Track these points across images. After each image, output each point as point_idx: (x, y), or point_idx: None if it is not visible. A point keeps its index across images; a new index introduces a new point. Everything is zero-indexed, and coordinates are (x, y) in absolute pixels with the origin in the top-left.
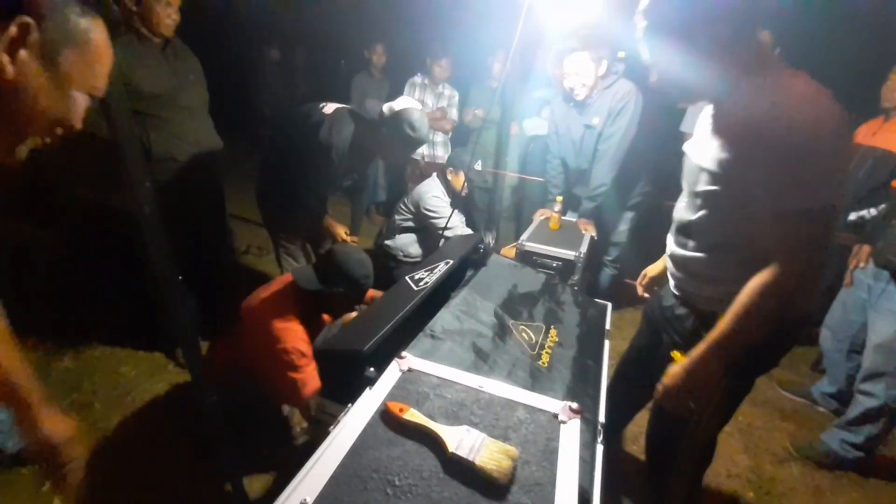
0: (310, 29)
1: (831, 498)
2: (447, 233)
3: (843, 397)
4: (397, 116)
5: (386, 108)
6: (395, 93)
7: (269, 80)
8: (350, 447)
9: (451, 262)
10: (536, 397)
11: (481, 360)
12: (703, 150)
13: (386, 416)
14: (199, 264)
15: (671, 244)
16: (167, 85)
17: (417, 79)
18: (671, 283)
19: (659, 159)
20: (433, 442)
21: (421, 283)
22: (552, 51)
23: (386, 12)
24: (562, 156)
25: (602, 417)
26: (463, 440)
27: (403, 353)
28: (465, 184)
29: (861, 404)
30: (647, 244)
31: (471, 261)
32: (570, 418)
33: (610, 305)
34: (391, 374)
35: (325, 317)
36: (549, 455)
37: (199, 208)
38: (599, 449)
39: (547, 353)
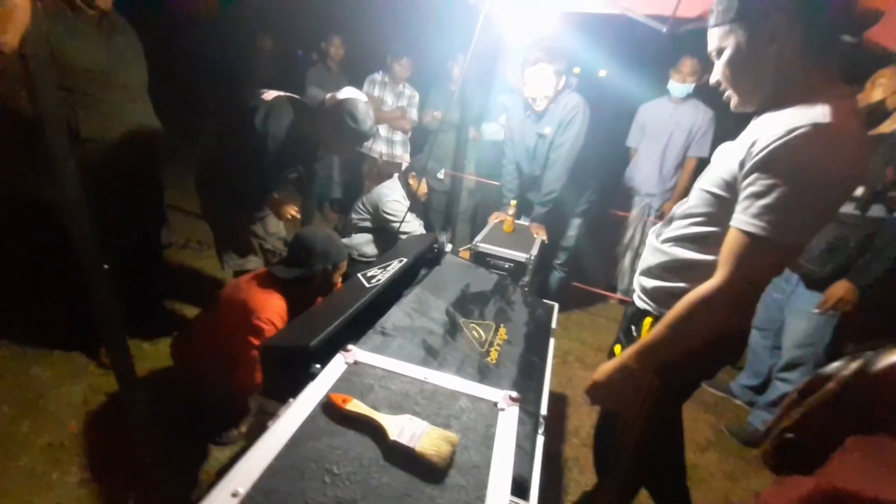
0: (269, 15)
1: (744, 481)
2: (406, 229)
3: (760, 389)
4: (339, 106)
5: (328, 96)
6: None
7: (223, 65)
8: (289, 439)
9: (405, 260)
10: (478, 387)
11: (431, 357)
12: (729, 153)
13: (328, 408)
14: (131, 256)
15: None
16: (101, 61)
17: (377, 76)
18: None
19: (604, 170)
20: (375, 431)
21: (373, 281)
22: (515, 59)
23: (347, 5)
24: (516, 161)
25: (544, 410)
26: (404, 428)
27: (349, 346)
28: (427, 192)
29: (778, 389)
30: (593, 250)
31: (425, 260)
32: (508, 406)
33: (557, 306)
34: (336, 367)
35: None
36: (488, 440)
37: (132, 194)
38: (540, 440)
39: (496, 350)
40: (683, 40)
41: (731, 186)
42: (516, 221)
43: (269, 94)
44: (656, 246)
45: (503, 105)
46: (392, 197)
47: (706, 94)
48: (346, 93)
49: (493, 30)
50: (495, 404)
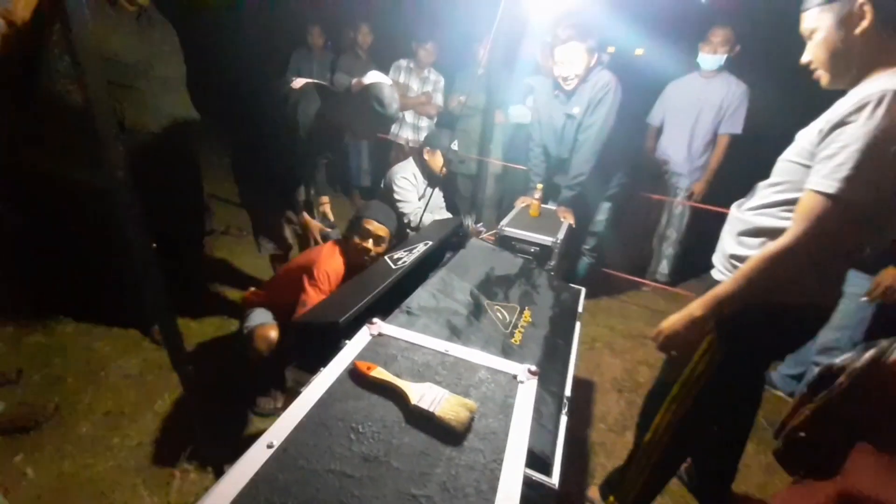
0: (297, 7)
1: (781, 474)
2: (406, 209)
3: (802, 378)
4: (366, 91)
5: (354, 81)
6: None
7: (255, 56)
8: (318, 399)
9: (431, 243)
10: (499, 360)
11: (455, 336)
12: (812, 126)
13: (354, 374)
14: (173, 240)
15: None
16: (141, 55)
17: (403, 62)
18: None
19: (636, 152)
20: (398, 396)
21: (399, 262)
22: (542, 39)
23: None
24: (544, 144)
25: (568, 391)
26: (425, 394)
27: (374, 320)
28: (444, 165)
29: (813, 374)
30: (624, 235)
31: (450, 243)
32: (528, 379)
33: (584, 290)
34: (361, 338)
35: None
36: (506, 410)
37: (173, 183)
38: (563, 420)
39: (520, 331)
40: (715, 12)
41: (812, 154)
42: (543, 206)
43: (298, 83)
44: (739, 216)
45: (530, 87)
46: (401, 174)
47: (738, 67)
48: (372, 77)
49: (518, 9)
50: (514, 377)
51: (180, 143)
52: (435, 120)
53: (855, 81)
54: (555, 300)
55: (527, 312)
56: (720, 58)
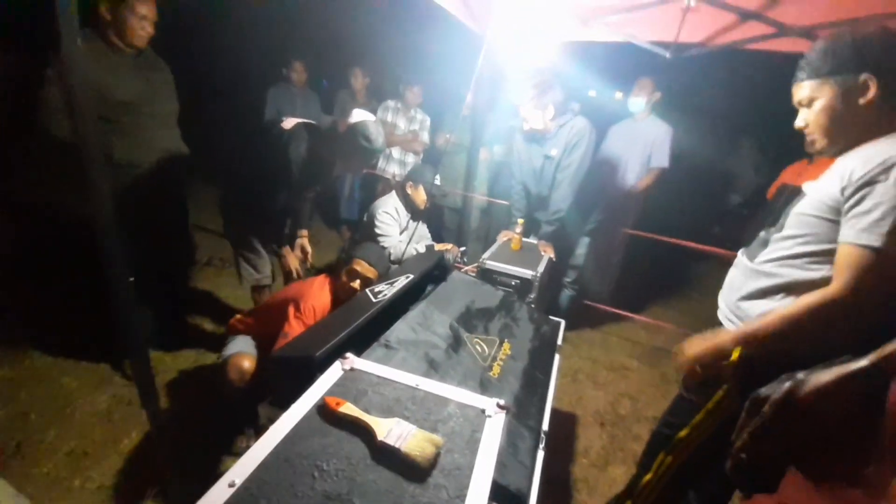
0: (296, 47)
1: None
2: (387, 243)
3: None
4: (352, 128)
5: (341, 120)
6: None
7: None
8: (284, 436)
9: (412, 276)
10: (468, 395)
11: (433, 370)
12: (825, 184)
13: (322, 410)
14: (158, 273)
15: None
16: (136, 93)
17: (391, 102)
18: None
19: (612, 190)
20: (365, 432)
21: (380, 296)
22: (517, 88)
23: (365, 39)
24: (524, 182)
25: (545, 426)
26: (392, 430)
27: (347, 354)
28: (425, 197)
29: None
30: (604, 268)
31: (432, 276)
32: (495, 413)
33: (563, 323)
34: (333, 373)
35: None
36: (472, 445)
37: (160, 216)
38: (540, 455)
39: (499, 364)
40: (645, 65)
41: (834, 209)
42: (525, 240)
43: (288, 123)
44: (755, 268)
45: (512, 128)
46: (383, 208)
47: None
48: (357, 115)
49: (500, 58)
50: (483, 411)
51: (168, 176)
52: (421, 156)
53: (853, 146)
54: (535, 333)
55: (506, 345)
56: (642, 101)
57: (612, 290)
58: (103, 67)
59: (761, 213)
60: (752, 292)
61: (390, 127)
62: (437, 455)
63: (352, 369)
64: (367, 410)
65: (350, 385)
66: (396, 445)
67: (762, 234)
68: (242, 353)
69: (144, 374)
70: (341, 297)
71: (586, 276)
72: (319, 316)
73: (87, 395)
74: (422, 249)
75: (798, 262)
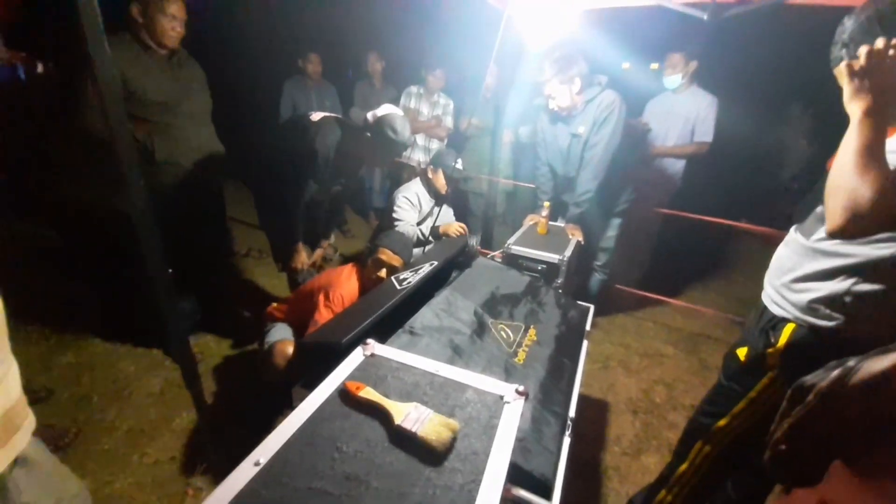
0: (318, 39)
1: None
2: (401, 229)
3: None
4: (380, 122)
5: (370, 115)
6: (398, 101)
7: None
8: (307, 419)
9: (436, 263)
10: (487, 381)
11: (457, 356)
12: None
13: (343, 394)
14: (198, 264)
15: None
16: (171, 93)
17: (413, 88)
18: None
19: (646, 168)
20: (383, 416)
21: (404, 283)
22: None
23: (383, 25)
24: (550, 163)
25: (572, 412)
26: (410, 414)
27: (368, 340)
28: (445, 181)
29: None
30: (637, 250)
31: (457, 262)
32: (514, 399)
33: (592, 308)
34: (354, 358)
35: None
36: (489, 430)
37: (199, 210)
38: (566, 442)
39: (524, 350)
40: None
41: None
42: (552, 223)
43: (316, 116)
44: (812, 246)
45: (539, 107)
46: (403, 194)
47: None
48: (385, 109)
49: (520, 32)
50: (501, 397)
51: (206, 172)
52: (445, 142)
53: None
54: (561, 318)
55: (532, 331)
56: (677, 77)
57: (646, 274)
58: (138, 68)
59: (820, 185)
60: (810, 273)
61: (413, 113)
62: (454, 439)
63: (372, 355)
64: (386, 395)
65: (370, 370)
66: (413, 430)
67: (819, 209)
68: (286, 339)
69: (187, 360)
70: (368, 285)
71: (617, 260)
72: (348, 303)
73: (142, 378)
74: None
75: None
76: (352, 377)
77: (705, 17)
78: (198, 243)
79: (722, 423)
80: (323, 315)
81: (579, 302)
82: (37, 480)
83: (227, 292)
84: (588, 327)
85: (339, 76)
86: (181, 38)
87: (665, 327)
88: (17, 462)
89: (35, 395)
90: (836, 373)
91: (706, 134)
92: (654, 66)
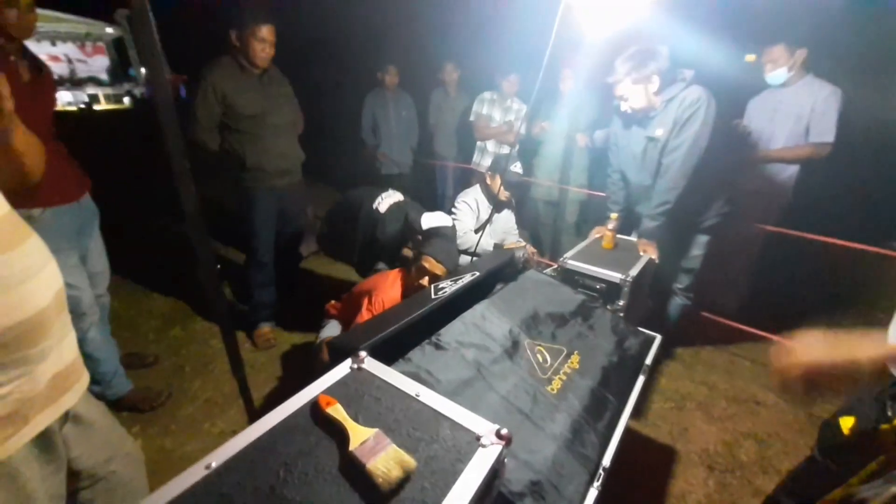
0: (397, 51)
1: None
2: (458, 230)
3: None
4: (431, 231)
5: (424, 219)
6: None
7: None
8: (269, 428)
9: (477, 274)
10: (469, 416)
11: (479, 376)
12: None
13: (314, 407)
14: (279, 260)
15: None
16: (261, 107)
17: (487, 94)
18: None
19: (745, 177)
20: (343, 438)
21: (440, 292)
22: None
23: (461, 35)
24: (622, 170)
25: (608, 461)
26: (367, 442)
27: (360, 353)
28: (505, 188)
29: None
30: (729, 274)
31: (503, 274)
32: (492, 443)
33: (659, 338)
34: (340, 370)
35: None
36: (449, 477)
37: (282, 210)
38: (593, 493)
39: (560, 379)
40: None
41: None
42: (623, 237)
43: (385, 204)
44: None
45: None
46: (462, 198)
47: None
48: (438, 219)
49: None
50: (478, 438)
51: (288, 176)
52: (516, 147)
53: None
54: (615, 346)
55: (575, 357)
56: (782, 72)
57: (746, 303)
58: (235, 86)
59: None
60: None
61: (485, 119)
62: (404, 480)
63: (359, 368)
64: (355, 415)
65: (350, 385)
66: (363, 460)
67: None
68: (332, 337)
69: (232, 349)
70: (410, 292)
71: (706, 283)
72: (388, 308)
73: (225, 356)
74: (507, 242)
75: None
76: (329, 390)
77: None
78: (280, 240)
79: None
80: (363, 318)
81: (645, 331)
82: (87, 437)
83: (304, 286)
84: (650, 360)
85: (418, 85)
86: (271, 58)
87: (764, 368)
88: (70, 419)
89: (144, 360)
90: (892, 492)
91: (825, 133)
92: (751, 57)
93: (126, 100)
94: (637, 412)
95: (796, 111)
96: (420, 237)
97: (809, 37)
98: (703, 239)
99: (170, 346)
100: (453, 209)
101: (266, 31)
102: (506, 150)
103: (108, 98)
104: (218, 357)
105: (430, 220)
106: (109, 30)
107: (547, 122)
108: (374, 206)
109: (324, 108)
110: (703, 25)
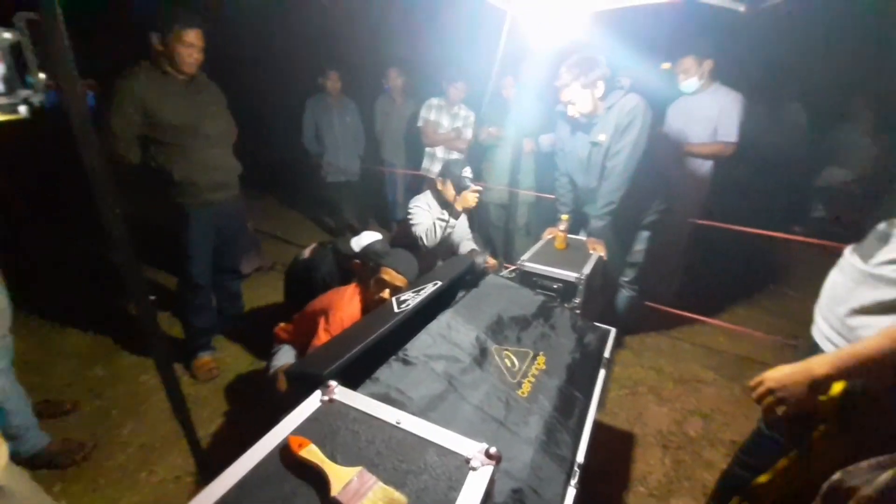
0: (338, 56)
1: None
2: (419, 231)
3: None
4: (364, 250)
5: (354, 244)
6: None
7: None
8: (237, 482)
9: (440, 283)
10: (454, 438)
11: (452, 388)
12: None
13: (284, 451)
14: (218, 280)
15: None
16: (189, 116)
17: (434, 101)
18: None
19: (675, 176)
20: (322, 482)
21: (403, 305)
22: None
23: (405, 40)
24: (569, 174)
25: (581, 457)
26: (351, 483)
27: (330, 382)
28: (455, 192)
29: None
30: (673, 267)
31: (464, 282)
32: (482, 464)
33: (614, 331)
34: (310, 405)
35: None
36: None
37: (219, 226)
38: (571, 493)
39: (529, 381)
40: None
41: None
42: (573, 237)
43: (307, 252)
44: (871, 272)
45: (561, 114)
46: (415, 203)
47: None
48: (367, 238)
49: (530, 37)
50: (467, 461)
51: (223, 190)
52: (465, 154)
53: None
54: (576, 343)
55: (541, 358)
56: (693, 81)
57: (684, 290)
58: (157, 94)
59: (887, 199)
60: (870, 305)
61: (433, 125)
62: None
63: (331, 400)
64: (333, 454)
65: (323, 420)
66: None
67: (881, 226)
68: (288, 365)
69: (171, 385)
70: (370, 307)
71: (647, 275)
72: (347, 327)
73: (160, 392)
74: (463, 249)
75: None
76: (300, 429)
77: (742, 8)
78: (218, 258)
79: (763, 479)
80: (321, 340)
81: (600, 325)
82: None
83: (247, 308)
84: (608, 353)
85: (361, 91)
86: (200, 64)
87: (705, 349)
88: None
89: (61, 407)
90: (883, 479)
91: (729, 134)
92: (666, 65)
93: (22, 109)
94: (598, 403)
95: (706, 115)
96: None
97: (714, 49)
98: (644, 234)
99: (91, 389)
100: (408, 215)
101: (193, 36)
102: (455, 155)
103: (1, 108)
104: (151, 395)
105: (360, 240)
106: (7, 35)
107: (495, 127)
108: (300, 259)
109: (263, 115)
110: (627, 38)
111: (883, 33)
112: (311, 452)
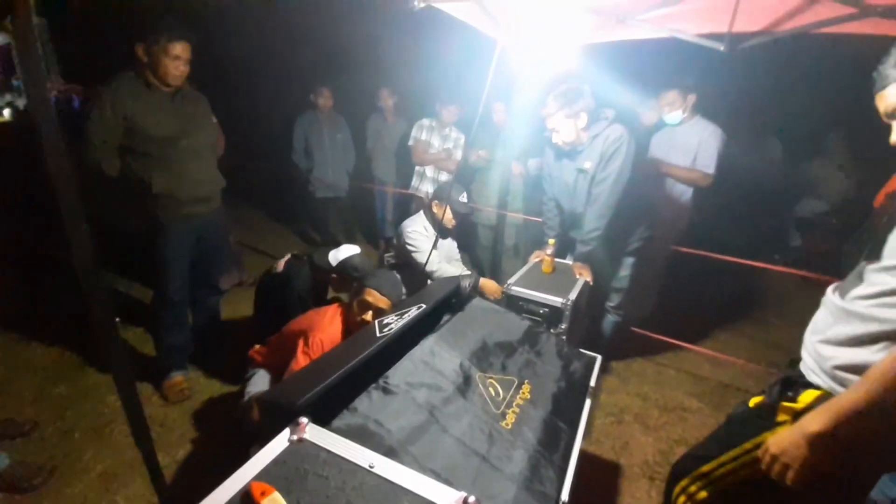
0: (331, 74)
1: None
2: (428, 269)
3: None
4: (342, 264)
5: (331, 258)
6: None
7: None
8: None
9: (424, 306)
10: (431, 486)
11: (433, 420)
12: None
13: (245, 499)
14: (196, 295)
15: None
16: (173, 129)
17: (425, 121)
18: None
19: (659, 204)
20: None
21: (386, 329)
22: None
23: (400, 61)
24: (556, 198)
25: (565, 495)
26: None
27: (301, 419)
28: (451, 216)
29: None
30: (655, 291)
31: (449, 305)
32: None
33: (599, 358)
34: (277, 445)
35: None
36: None
37: (199, 239)
38: None
39: (514, 412)
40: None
41: None
42: (560, 261)
43: (280, 264)
44: (846, 307)
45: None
46: (412, 227)
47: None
48: (346, 251)
49: (523, 65)
50: None
51: (204, 203)
52: (454, 175)
53: None
54: (562, 371)
55: (525, 387)
56: (677, 113)
57: (669, 317)
58: (140, 105)
59: (856, 232)
60: (840, 338)
61: (424, 145)
62: None
63: (300, 440)
64: (298, 503)
65: (290, 463)
66: None
67: (860, 264)
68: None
69: (132, 408)
70: (353, 329)
71: (632, 300)
72: (327, 350)
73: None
74: (453, 269)
75: None
76: (265, 473)
77: (722, 47)
78: (196, 273)
79: (706, 467)
80: (300, 363)
81: (585, 352)
82: None
83: (224, 326)
84: (593, 382)
85: (353, 109)
86: (186, 77)
87: (690, 376)
88: None
89: (20, 427)
90: None
91: (707, 165)
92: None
93: (6, 112)
94: (583, 433)
95: (684, 145)
96: (354, 276)
97: (697, 84)
98: (629, 261)
99: (53, 408)
100: (407, 242)
101: (180, 49)
102: (444, 176)
103: None
104: (117, 417)
105: (338, 254)
106: None
107: (484, 150)
108: (273, 271)
109: (254, 129)
110: (615, 71)
111: (857, 71)
112: (275, 501)
